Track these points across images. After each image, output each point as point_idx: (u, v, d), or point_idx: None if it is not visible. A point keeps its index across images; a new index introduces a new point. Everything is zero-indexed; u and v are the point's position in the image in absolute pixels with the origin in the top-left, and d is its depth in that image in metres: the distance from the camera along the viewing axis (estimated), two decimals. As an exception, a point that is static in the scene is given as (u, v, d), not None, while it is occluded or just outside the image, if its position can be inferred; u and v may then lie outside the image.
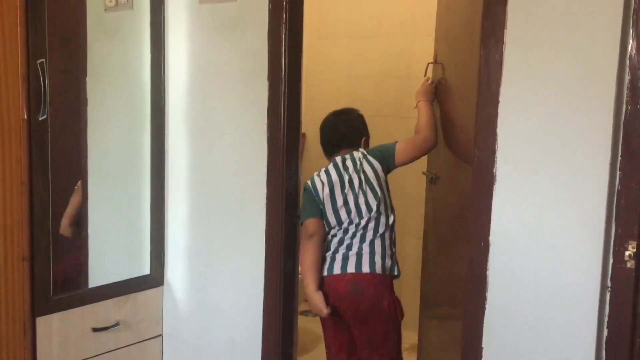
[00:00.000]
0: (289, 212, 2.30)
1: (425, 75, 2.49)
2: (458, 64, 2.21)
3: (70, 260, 2.51)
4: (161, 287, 2.63)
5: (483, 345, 1.83)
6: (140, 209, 2.62)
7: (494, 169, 1.77)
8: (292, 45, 2.21)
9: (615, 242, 1.60)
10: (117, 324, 2.46)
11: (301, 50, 2.24)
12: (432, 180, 2.38)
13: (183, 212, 2.56)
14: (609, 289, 1.63)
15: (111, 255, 2.65)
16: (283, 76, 2.20)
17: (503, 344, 1.81)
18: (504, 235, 1.78)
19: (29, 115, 2.14)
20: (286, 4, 2.17)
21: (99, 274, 2.52)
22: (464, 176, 2.12)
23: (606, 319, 1.65)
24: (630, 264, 1.58)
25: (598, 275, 1.64)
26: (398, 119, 3.53)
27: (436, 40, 2.59)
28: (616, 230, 1.60)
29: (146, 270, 2.61)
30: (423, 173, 2.72)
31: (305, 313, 3.39)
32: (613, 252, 1.61)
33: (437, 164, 2.54)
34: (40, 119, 2.17)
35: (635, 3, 1.52)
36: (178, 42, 2.51)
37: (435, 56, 2.51)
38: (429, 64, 2.53)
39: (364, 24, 3.77)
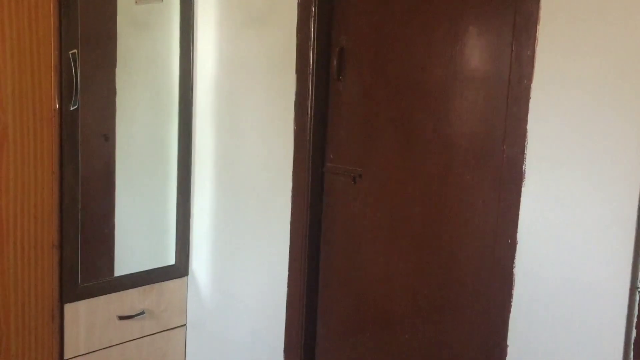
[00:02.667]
0: (314, 206, 2.30)
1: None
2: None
3: (97, 249, 2.55)
4: (186, 277, 2.66)
5: (508, 343, 1.82)
6: (166, 199, 2.65)
7: (523, 166, 1.76)
8: (321, 39, 2.21)
9: (647, 243, 1.58)
10: (142, 313, 2.50)
11: (330, 44, 2.24)
12: (354, 179, 2.18)
13: (209, 204, 2.58)
14: (639, 289, 1.61)
15: (137, 245, 2.68)
16: (311, 70, 2.20)
17: (528, 343, 1.79)
18: (531, 232, 1.76)
19: (60, 105, 2.18)
20: (316, -1, 2.17)
21: (125, 264, 2.56)
22: (409, 171, 2.06)
23: (635, 319, 1.62)
24: (661, 266, 1.55)
25: (628, 276, 1.61)
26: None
27: None
28: (648, 231, 1.57)
29: (171, 260, 2.64)
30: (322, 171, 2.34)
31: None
32: (644, 252, 1.59)
33: (358, 159, 2.25)
34: (71, 109, 2.20)
35: (673, 0, 1.49)
36: (207, 34, 2.52)
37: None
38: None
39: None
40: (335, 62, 2.22)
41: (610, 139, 1.61)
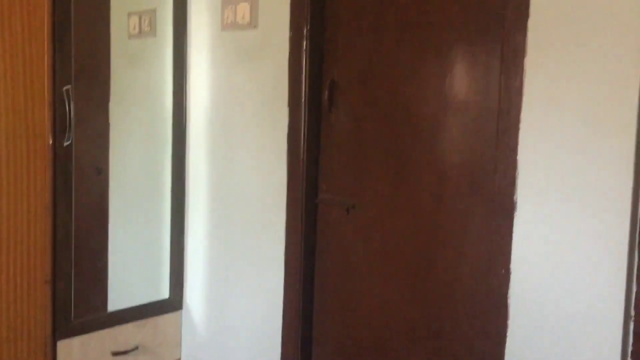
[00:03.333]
0: (308, 237, 2.30)
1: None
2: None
3: (90, 284, 2.53)
4: (180, 311, 2.64)
5: (504, 374, 1.81)
6: (160, 232, 2.65)
7: (515, 196, 1.77)
8: (312, 72, 2.24)
9: (639, 270, 1.58)
10: (136, 348, 2.47)
11: (321, 78, 2.27)
12: (348, 210, 2.24)
13: (202, 236, 2.58)
14: (633, 317, 1.61)
15: (131, 278, 2.67)
16: (303, 103, 2.23)
17: (525, 373, 1.79)
18: (524, 262, 1.77)
19: (54, 141, 2.19)
20: (307, 33, 2.20)
21: (118, 298, 2.54)
22: (402, 202, 2.09)
23: (630, 348, 1.62)
24: (654, 293, 1.56)
25: (621, 304, 1.62)
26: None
27: None
28: (640, 259, 1.58)
29: (165, 294, 2.62)
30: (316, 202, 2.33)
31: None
32: (637, 281, 1.59)
33: (350, 190, 2.26)
34: (65, 144, 2.21)
35: (655, 32, 1.52)
36: (200, 68, 2.55)
37: None
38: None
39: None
40: (326, 95, 2.25)
41: (600, 168, 1.63)
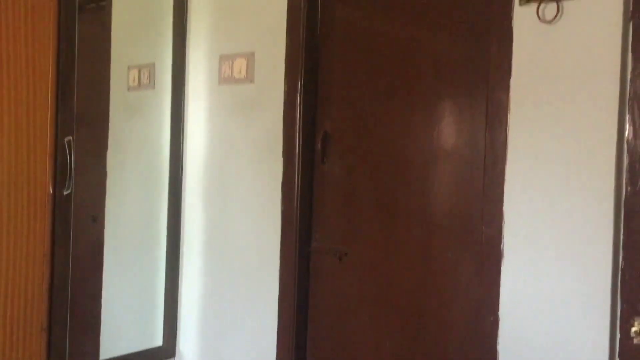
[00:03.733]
0: (301, 284, 2.35)
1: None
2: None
3: (84, 331, 2.54)
4: (173, 358, 2.65)
5: (495, 421, 1.84)
6: (154, 279, 2.68)
7: (502, 245, 1.84)
8: (306, 124, 2.33)
9: (622, 318, 1.64)
10: (129, 396, 2.47)
11: (314, 129, 2.36)
12: (340, 258, 2.30)
13: (197, 284, 2.62)
14: (618, 362, 1.66)
15: (124, 326, 2.68)
16: (297, 153, 2.31)
17: (515, 420, 1.82)
18: (512, 309, 1.82)
19: (54, 190, 2.24)
20: (301, 87, 2.30)
21: (112, 346, 2.55)
22: (393, 249, 2.16)
23: (617, 393, 1.67)
24: (637, 340, 1.61)
25: (606, 352, 1.67)
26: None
27: None
28: (622, 307, 1.64)
29: (159, 341, 2.64)
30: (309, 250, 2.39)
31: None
32: (620, 328, 1.65)
33: (343, 238, 2.31)
34: (65, 193, 2.27)
35: (630, 92, 1.62)
36: (197, 119, 2.64)
37: None
38: None
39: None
40: (319, 146, 2.33)
41: (582, 218, 1.71)
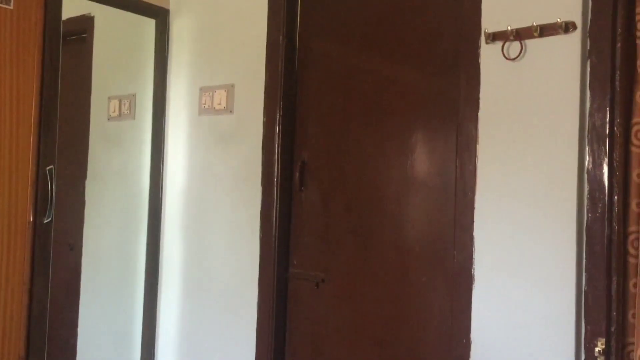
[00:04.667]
0: (279, 311, 2.39)
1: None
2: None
3: (61, 357, 2.54)
4: (150, 387, 2.66)
5: None
6: (132, 308, 2.69)
7: (472, 270, 1.92)
8: (284, 154, 2.40)
9: (586, 339, 1.73)
10: None
11: (292, 159, 2.44)
12: (317, 284, 2.33)
13: (175, 312, 2.64)
14: (583, 383, 1.74)
15: (102, 356, 2.68)
16: (276, 182, 2.38)
17: None
18: (483, 332, 1.90)
19: (34, 218, 2.27)
20: (279, 117, 2.38)
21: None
22: (369, 275, 2.22)
23: (583, 413, 1.74)
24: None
25: (572, 371, 1.75)
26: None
27: None
28: (586, 328, 1.73)
29: (136, 367, 2.64)
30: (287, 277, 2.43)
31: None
32: (584, 348, 1.73)
33: (320, 265, 2.37)
34: (45, 221, 2.29)
35: (589, 125, 1.74)
36: (177, 149, 2.69)
37: None
38: None
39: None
40: (297, 175, 2.40)
41: (548, 244, 1.80)
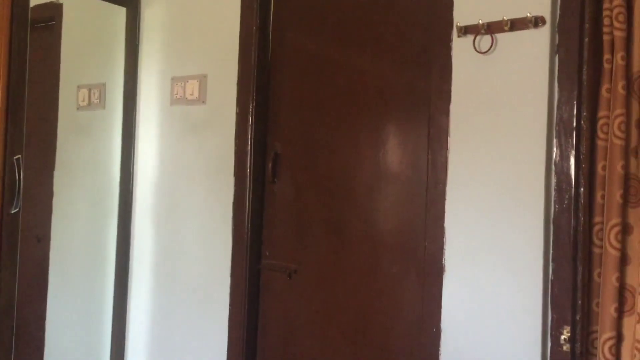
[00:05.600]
0: (252, 301, 2.40)
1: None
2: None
3: (28, 355, 2.50)
4: (120, 379, 2.64)
5: None
6: (102, 300, 2.66)
7: (443, 260, 1.95)
8: (257, 145, 2.40)
9: (552, 327, 1.77)
10: (74, 419, 2.44)
11: (265, 150, 2.43)
12: (290, 275, 2.36)
13: (146, 305, 2.62)
14: (549, 370, 1.78)
15: (70, 348, 2.65)
16: (248, 173, 2.37)
17: None
18: (453, 320, 1.93)
19: (1, 208, 2.22)
20: (252, 108, 2.38)
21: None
22: (341, 266, 2.26)
23: (548, 399, 1.79)
24: (566, 347, 1.74)
25: (538, 358, 1.79)
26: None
27: None
28: (552, 316, 1.77)
29: (106, 362, 2.62)
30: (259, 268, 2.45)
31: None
32: (550, 336, 1.78)
33: (292, 255, 2.39)
34: (12, 211, 2.25)
35: (557, 118, 1.78)
36: (148, 139, 2.67)
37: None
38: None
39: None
40: (270, 166, 2.40)
41: (516, 234, 1.84)
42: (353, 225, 2.24)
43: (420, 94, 2.08)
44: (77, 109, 2.82)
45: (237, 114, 2.41)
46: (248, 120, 2.39)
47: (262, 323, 2.43)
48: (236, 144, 2.41)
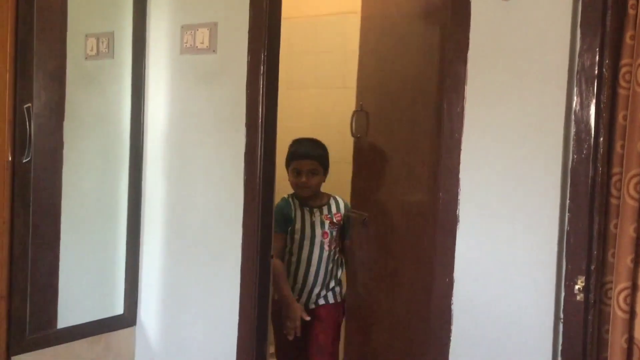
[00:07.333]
0: (264, 253, 2.40)
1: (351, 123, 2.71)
2: (388, 114, 2.46)
3: (43, 300, 2.53)
4: (134, 327, 2.67)
5: (449, 375, 1.96)
6: (115, 249, 2.68)
7: (457, 210, 1.94)
8: (269, 94, 2.37)
9: (566, 277, 1.77)
10: (90, 364, 2.49)
11: (277, 99, 2.40)
12: (364, 222, 2.47)
13: (158, 253, 2.63)
14: (562, 320, 1.79)
15: (84, 295, 2.68)
16: (260, 123, 2.35)
17: (467, 374, 1.94)
18: (466, 271, 1.93)
19: (13, 157, 2.21)
20: (264, 57, 2.33)
21: (72, 314, 2.55)
22: (398, 216, 2.28)
23: (560, 348, 1.80)
24: (579, 297, 1.75)
25: (552, 308, 1.80)
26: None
27: (360, 91, 2.79)
28: (567, 267, 1.77)
29: (119, 310, 2.65)
30: (350, 212, 2.77)
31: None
32: (564, 286, 1.78)
33: (367, 205, 2.58)
34: (24, 160, 2.24)
35: (578, 65, 1.73)
36: (158, 90, 2.63)
37: (360, 105, 2.70)
38: (354, 112, 2.69)
39: (330, 75, 3.98)
40: (282, 117, 2.37)
41: (532, 185, 1.82)
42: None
43: (437, 41, 2.03)
44: (86, 58, 2.78)
45: (248, 63, 2.37)
46: (260, 69, 2.35)
47: (274, 273, 2.44)
48: (247, 94, 2.37)
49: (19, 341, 2.26)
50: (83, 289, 2.70)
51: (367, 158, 2.59)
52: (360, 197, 2.65)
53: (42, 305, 2.52)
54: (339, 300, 2.77)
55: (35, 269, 2.36)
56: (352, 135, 2.65)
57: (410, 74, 2.32)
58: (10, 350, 2.23)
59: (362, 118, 2.59)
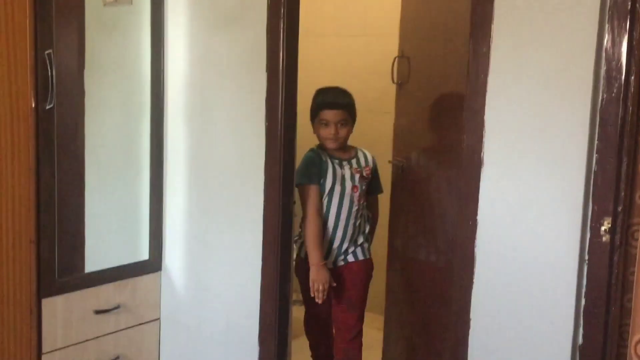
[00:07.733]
0: (286, 199, 2.41)
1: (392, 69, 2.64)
2: (426, 58, 2.40)
3: (71, 245, 2.58)
4: (159, 272, 2.73)
5: (471, 317, 1.97)
6: (139, 196, 2.71)
7: (482, 153, 1.92)
8: (289, 39, 2.33)
9: (592, 219, 1.75)
10: (117, 307, 2.55)
11: (297, 44, 2.36)
12: (402, 169, 2.47)
13: (181, 199, 2.66)
14: (587, 261, 1.78)
15: (111, 240, 2.73)
16: (281, 68, 2.32)
17: (490, 316, 1.95)
18: (490, 214, 1.92)
19: (36, 104, 2.22)
20: (284, 1, 2.29)
21: (99, 259, 2.60)
22: (435, 164, 2.27)
23: (584, 289, 1.80)
24: (605, 238, 1.73)
25: (577, 249, 1.79)
26: (381, 114, 3.66)
27: (402, 36, 2.74)
28: (593, 208, 1.75)
29: (145, 255, 2.70)
30: (389, 162, 2.81)
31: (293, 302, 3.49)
32: (590, 227, 1.76)
33: (405, 152, 2.63)
34: (47, 107, 2.25)
35: (610, 1, 1.67)
36: (177, 35, 2.60)
37: (401, 51, 2.66)
38: (395, 58, 2.65)
39: (351, 22, 3.91)
40: (303, 61, 2.34)
41: (560, 126, 1.79)
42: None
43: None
44: (104, 4, 2.74)
45: (268, 6, 2.32)
46: (280, 13, 2.30)
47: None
48: (268, 38, 2.34)
49: (49, 284, 2.32)
50: (109, 235, 2.74)
51: (408, 105, 2.55)
52: (403, 144, 2.62)
53: (69, 250, 2.57)
54: (367, 256, 2.72)
55: (62, 215, 2.40)
56: (393, 81, 2.60)
57: (441, 17, 2.27)
58: (41, 293, 2.30)
59: (404, 64, 2.55)
